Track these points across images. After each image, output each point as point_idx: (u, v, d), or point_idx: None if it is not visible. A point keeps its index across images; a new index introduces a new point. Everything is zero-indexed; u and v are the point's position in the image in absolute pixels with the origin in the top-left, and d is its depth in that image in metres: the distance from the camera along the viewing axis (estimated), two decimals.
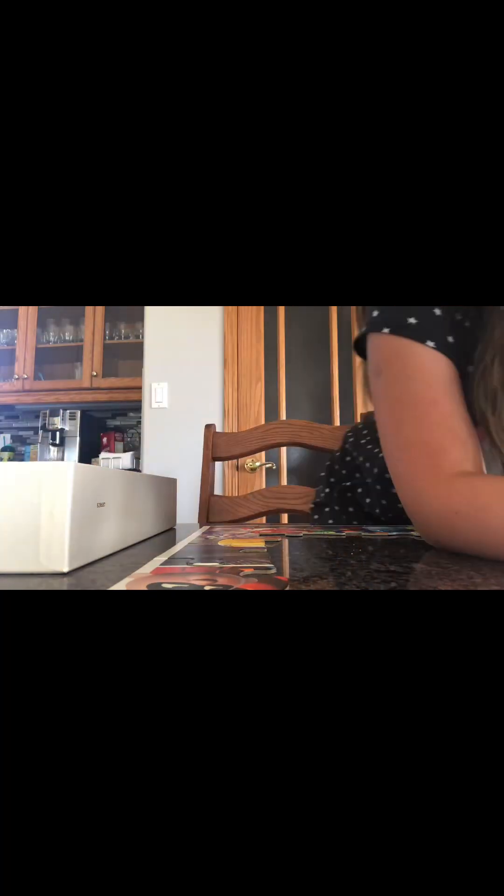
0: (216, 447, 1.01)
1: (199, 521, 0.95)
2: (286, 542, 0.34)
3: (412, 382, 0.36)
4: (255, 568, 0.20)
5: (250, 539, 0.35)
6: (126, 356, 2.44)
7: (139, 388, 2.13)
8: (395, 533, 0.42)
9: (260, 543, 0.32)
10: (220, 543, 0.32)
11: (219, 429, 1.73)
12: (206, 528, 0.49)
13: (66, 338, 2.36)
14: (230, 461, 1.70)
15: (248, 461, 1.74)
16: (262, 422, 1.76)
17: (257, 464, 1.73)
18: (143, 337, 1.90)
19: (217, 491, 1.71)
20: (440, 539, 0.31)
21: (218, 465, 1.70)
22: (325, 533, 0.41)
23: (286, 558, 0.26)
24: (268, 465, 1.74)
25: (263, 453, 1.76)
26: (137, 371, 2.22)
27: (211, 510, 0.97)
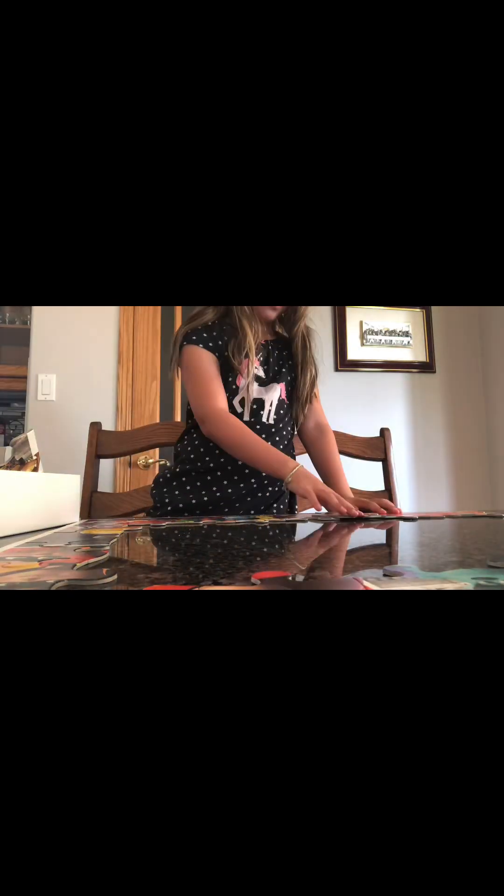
0: (102, 445, 1.02)
1: (80, 517, 0.96)
2: (145, 530, 0.40)
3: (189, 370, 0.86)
4: (90, 548, 0.27)
5: (113, 529, 0.41)
6: (11, 342, 2.24)
7: (24, 378, 1.99)
8: (242, 521, 0.51)
9: (118, 531, 0.38)
10: (82, 532, 0.37)
11: (111, 425, 1.71)
12: (84, 520, 0.53)
13: None
14: (122, 458, 1.69)
15: (141, 458, 1.75)
16: (158, 419, 1.78)
17: (150, 461, 1.75)
18: (30, 323, 1.78)
19: (108, 487, 1.69)
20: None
21: (109, 461, 1.68)
22: (186, 523, 0.48)
23: (125, 544, 0.33)
24: (161, 462, 1.78)
25: (157, 450, 1.79)
26: (23, 359, 2.06)
27: (94, 506, 0.98)
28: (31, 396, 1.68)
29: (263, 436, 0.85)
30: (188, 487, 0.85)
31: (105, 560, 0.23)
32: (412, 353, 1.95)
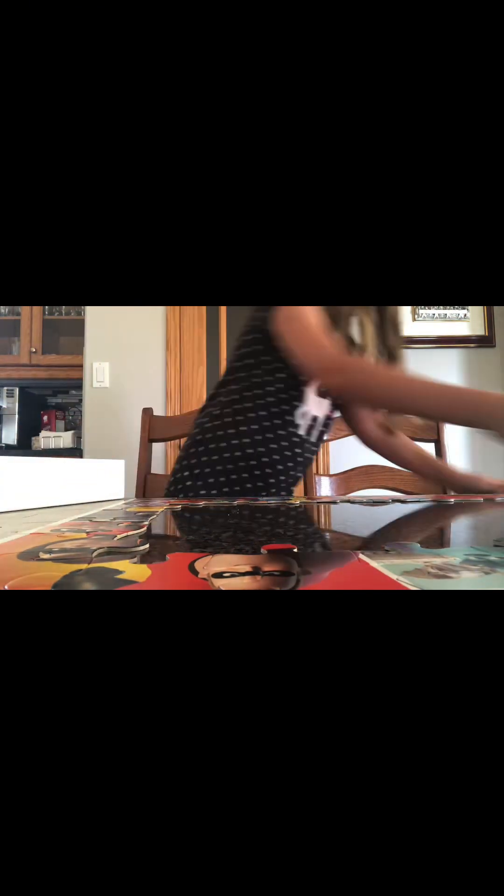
0: (153, 429, 1.08)
1: (136, 496, 1.02)
2: (183, 509, 0.43)
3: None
4: (131, 522, 0.30)
5: (156, 507, 0.44)
6: (67, 332, 2.38)
7: (81, 367, 2.12)
8: (273, 501, 0.53)
9: (159, 510, 0.41)
10: (127, 510, 0.41)
11: (161, 411, 1.79)
12: (132, 499, 0.58)
13: (2, 311, 2.27)
14: (172, 441, 1.77)
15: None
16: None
17: None
18: (84, 314, 1.89)
19: (160, 468, 1.77)
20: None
21: (161, 444, 1.77)
22: (220, 502, 0.51)
23: (162, 520, 0.36)
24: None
25: None
26: (79, 348, 2.19)
27: (148, 486, 1.05)
28: (87, 384, 1.79)
29: (297, 450, 0.75)
30: (218, 473, 0.74)
31: (142, 533, 0.26)
32: (469, 326, 1.83)
